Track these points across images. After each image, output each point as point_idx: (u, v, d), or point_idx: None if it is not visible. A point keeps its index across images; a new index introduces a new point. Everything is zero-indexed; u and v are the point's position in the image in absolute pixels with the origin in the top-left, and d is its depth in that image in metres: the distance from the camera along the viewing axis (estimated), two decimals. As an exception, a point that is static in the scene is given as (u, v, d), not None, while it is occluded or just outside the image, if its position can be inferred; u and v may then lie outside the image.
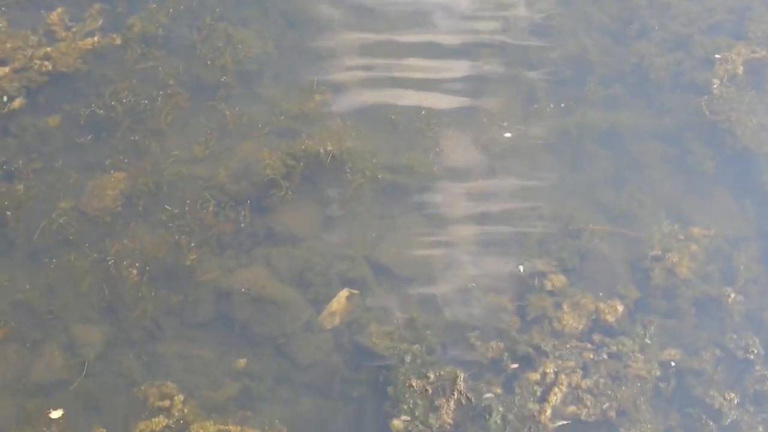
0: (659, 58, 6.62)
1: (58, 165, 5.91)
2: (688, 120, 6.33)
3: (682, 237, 5.83)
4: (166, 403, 5.16)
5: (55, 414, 5.10)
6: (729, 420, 5.26)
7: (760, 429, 5.24)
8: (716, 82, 6.45)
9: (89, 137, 6.02)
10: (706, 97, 6.42)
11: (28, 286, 5.51)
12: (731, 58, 6.57)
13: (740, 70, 6.53)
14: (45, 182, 5.84)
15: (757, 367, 5.44)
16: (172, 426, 5.08)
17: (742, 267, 5.74)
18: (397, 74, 6.53)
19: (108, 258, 5.60)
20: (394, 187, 5.95)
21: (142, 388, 5.20)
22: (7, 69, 6.21)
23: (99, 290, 5.51)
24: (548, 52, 6.65)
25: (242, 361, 5.37)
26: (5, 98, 6.11)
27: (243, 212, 5.80)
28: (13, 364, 5.27)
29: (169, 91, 6.24)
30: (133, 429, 5.06)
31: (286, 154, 5.97)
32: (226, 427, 5.10)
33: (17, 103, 6.11)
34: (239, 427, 5.11)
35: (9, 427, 5.07)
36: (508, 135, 6.21)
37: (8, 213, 5.72)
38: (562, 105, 6.37)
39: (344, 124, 6.20)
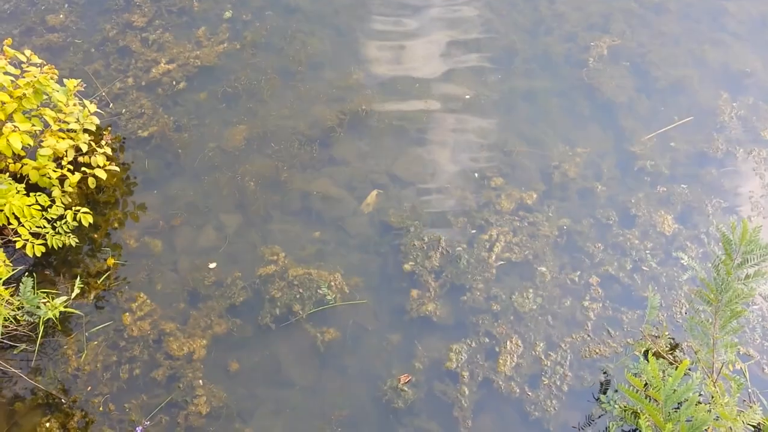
0: (558, 46, 6.63)
1: (207, 122, 5.98)
2: (575, 84, 6.37)
3: (570, 153, 5.88)
4: (275, 257, 5.25)
5: (212, 264, 5.23)
6: (597, 260, 5.32)
7: (615, 264, 5.30)
8: (591, 59, 6.45)
9: (224, 105, 6.10)
10: (585, 69, 6.42)
11: (192, 193, 5.60)
12: (600, 44, 6.55)
13: (605, 51, 6.53)
14: (200, 132, 5.93)
15: (615, 229, 5.49)
16: (278, 271, 5.19)
17: (605, 169, 5.82)
18: (402, 58, 6.46)
19: (237, 176, 5.69)
20: (402, 129, 5.94)
21: (261, 249, 5.31)
22: (174, 65, 6.27)
23: (234, 194, 5.59)
24: (491, 43, 6.53)
25: (317, 233, 5.44)
26: (174, 82, 6.13)
27: (314, 147, 5.85)
28: (186, 238, 5.40)
29: (268, 76, 6.25)
30: (256, 272, 5.19)
31: (338, 111, 6.03)
32: (309, 271, 5.18)
33: (181, 85, 6.19)
34: (316, 271, 5.20)
35: (185, 271, 5.21)
36: (467, 96, 6.16)
37: (180, 151, 5.79)
38: (500, 76, 6.31)
39: (372, 94, 6.16)
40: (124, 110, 5.99)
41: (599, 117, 6.14)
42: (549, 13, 6.81)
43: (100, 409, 4.61)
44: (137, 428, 4.50)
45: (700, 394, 4.05)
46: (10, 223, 4.81)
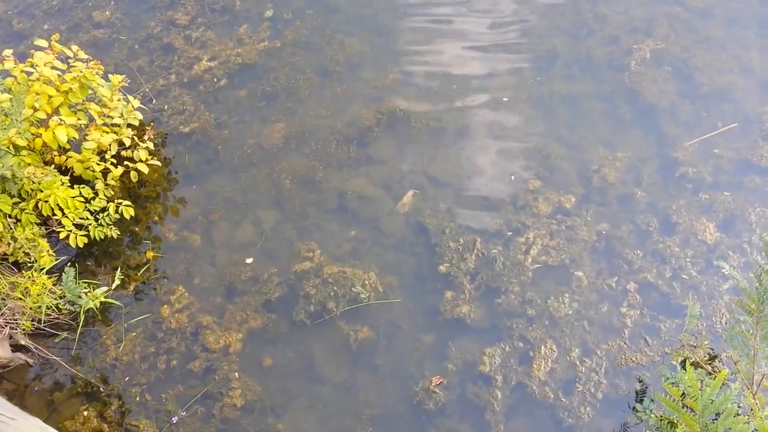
0: (599, 49, 6.52)
1: (246, 119, 6.07)
2: (616, 87, 6.29)
3: (611, 158, 5.81)
4: (310, 254, 5.30)
5: (249, 260, 5.30)
6: (636, 266, 5.27)
7: (654, 271, 5.23)
8: (633, 63, 6.35)
9: (263, 103, 6.18)
10: (627, 73, 6.32)
11: (230, 189, 5.67)
12: (643, 48, 6.45)
13: (648, 55, 6.42)
14: (240, 129, 6.02)
15: (655, 236, 5.41)
16: (314, 268, 5.23)
17: (645, 175, 5.74)
18: (441, 59, 6.45)
19: (275, 173, 5.75)
20: (439, 129, 5.94)
21: (297, 245, 5.37)
22: (216, 62, 6.38)
23: (271, 191, 5.66)
24: (532, 45, 6.50)
25: (353, 232, 5.48)
26: (215, 79, 6.22)
27: (351, 146, 5.89)
28: (225, 233, 5.49)
29: (307, 75, 6.31)
30: (292, 269, 5.25)
31: (376, 111, 6.06)
32: (343, 269, 5.22)
33: (222, 82, 6.30)
34: (351, 269, 5.23)
35: (223, 266, 5.28)
36: (505, 99, 6.14)
37: (219, 147, 5.88)
38: (539, 79, 6.27)
39: (410, 94, 6.17)
40: (166, 106, 6.10)
41: (641, 121, 6.06)
42: (591, 15, 6.75)
43: (137, 398, 4.71)
44: (173, 418, 4.59)
45: (738, 406, 3.97)
46: (54, 214, 4.95)
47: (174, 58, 6.42)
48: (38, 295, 4.72)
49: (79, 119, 5.14)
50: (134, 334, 4.95)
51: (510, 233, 5.43)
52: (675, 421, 4.24)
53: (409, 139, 5.95)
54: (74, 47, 5.23)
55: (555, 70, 6.37)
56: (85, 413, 4.63)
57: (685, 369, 3.82)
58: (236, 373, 4.78)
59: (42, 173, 4.88)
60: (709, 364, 4.67)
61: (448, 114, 6.08)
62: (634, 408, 4.62)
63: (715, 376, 3.63)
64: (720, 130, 5.99)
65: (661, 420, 4.40)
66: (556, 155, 5.83)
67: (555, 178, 5.73)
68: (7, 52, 5.05)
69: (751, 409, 4.00)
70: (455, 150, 5.90)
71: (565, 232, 5.42)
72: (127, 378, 4.79)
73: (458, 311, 5.02)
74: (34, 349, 4.79)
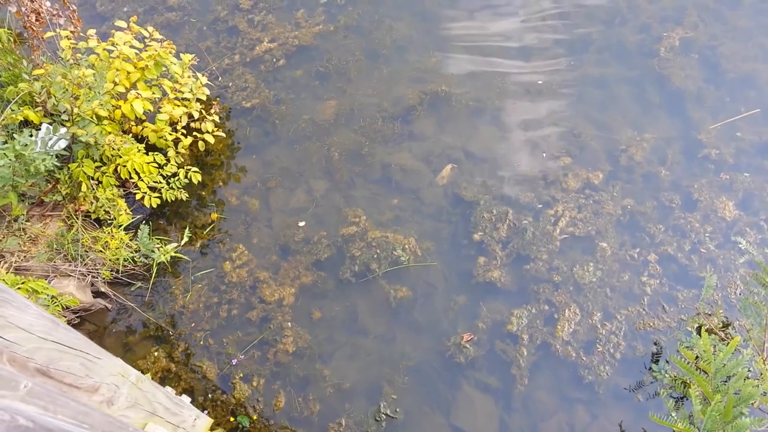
0: (631, 36, 6.38)
1: (302, 96, 6.11)
2: (646, 72, 6.16)
3: (638, 138, 5.72)
4: (357, 220, 5.35)
5: (301, 223, 5.38)
6: (657, 240, 5.21)
7: (675, 245, 5.17)
8: (663, 50, 6.21)
9: (317, 82, 6.21)
10: (656, 59, 6.19)
11: (286, 159, 5.76)
12: (672, 36, 6.29)
13: (677, 43, 6.27)
14: (296, 105, 6.06)
15: (676, 212, 5.34)
16: (359, 232, 5.29)
17: (670, 155, 5.64)
18: (481, 44, 6.38)
19: (326, 146, 5.80)
20: (478, 109, 5.92)
21: (344, 211, 5.43)
22: (275, 44, 6.42)
23: (322, 163, 5.72)
24: (567, 31, 6.40)
25: (395, 201, 5.50)
26: (274, 59, 6.27)
27: (396, 123, 5.90)
28: (280, 199, 5.57)
29: (356, 57, 6.32)
30: (339, 232, 5.33)
31: (419, 91, 6.04)
32: (386, 234, 5.26)
33: (281, 62, 6.33)
34: (393, 234, 5.27)
35: (278, 228, 5.39)
36: (540, 82, 6.07)
37: (277, 121, 5.96)
38: (573, 63, 6.18)
39: (452, 76, 6.14)
40: (230, 84, 6.20)
41: (668, 105, 5.93)
42: (625, 5, 6.59)
43: (201, 342, 4.88)
44: (233, 360, 4.75)
45: (749, 370, 3.94)
46: (131, 178, 5.11)
47: (238, 40, 6.50)
48: (116, 249, 4.91)
49: (153, 93, 5.26)
50: (200, 285, 5.11)
51: (540, 206, 5.41)
52: (688, 382, 4.23)
53: (449, 117, 5.93)
54: (150, 28, 5.34)
55: (588, 56, 6.26)
56: (156, 354, 4.82)
57: (700, 335, 3.80)
58: (289, 323, 4.91)
59: (121, 141, 5.04)
60: (723, 331, 4.62)
61: (486, 95, 6.03)
62: (650, 368, 4.61)
63: (728, 342, 3.62)
64: (743, 115, 5.83)
65: (674, 380, 4.39)
66: (587, 135, 5.76)
67: (584, 156, 5.67)
68: (91, 31, 5.18)
69: (761, 374, 3.97)
70: (492, 128, 5.86)
71: (592, 206, 5.38)
72: (193, 324, 4.96)
73: (490, 275, 5.04)
74: (112, 296, 4.99)
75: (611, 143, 5.73)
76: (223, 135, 5.73)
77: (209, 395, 4.64)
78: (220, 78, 6.22)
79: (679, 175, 5.53)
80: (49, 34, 5.19)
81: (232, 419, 4.53)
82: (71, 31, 5.25)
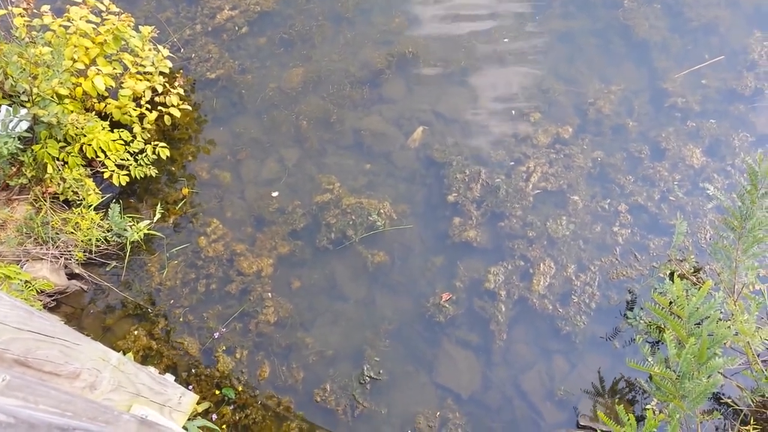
0: (595, -11, 6.23)
1: (267, 64, 5.95)
2: (611, 23, 6.12)
3: (605, 91, 5.70)
4: (330, 187, 5.27)
5: (275, 193, 5.29)
6: (627, 190, 5.22)
7: (644, 194, 5.20)
8: (626, 0, 6.10)
9: (281, 49, 6.04)
10: (621, 9, 6.14)
11: (254, 130, 5.63)
12: (636, -14, 6.18)
13: (642, -7, 6.15)
14: (261, 74, 5.90)
15: (645, 162, 5.36)
16: (333, 199, 5.22)
17: (637, 106, 5.64)
18: (446, 3, 6.24)
19: (294, 114, 5.68)
20: (445, 71, 5.82)
21: (317, 179, 5.35)
22: (237, 11, 6.21)
23: (292, 131, 5.60)
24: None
25: (368, 166, 5.43)
26: (237, 27, 6.08)
27: (364, 88, 5.79)
28: (251, 170, 5.46)
29: (320, 22, 6.15)
30: (314, 200, 5.25)
31: (386, 53, 5.92)
32: (360, 200, 5.20)
33: (243, 30, 6.14)
34: (367, 200, 5.22)
35: (251, 200, 5.30)
36: (506, 40, 5.98)
37: (243, 91, 5.80)
38: (538, 18, 6.09)
39: (418, 37, 6.01)
40: (193, 55, 5.99)
41: (633, 56, 5.88)
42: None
43: (181, 319, 4.81)
44: (215, 334, 4.70)
45: (721, 312, 4.00)
46: (97, 156, 4.94)
47: (198, 9, 6.25)
48: (88, 229, 4.77)
49: (114, 69, 5.06)
50: (176, 262, 5.01)
51: (512, 163, 5.37)
52: (663, 327, 4.29)
53: (418, 79, 5.82)
54: (106, 1, 5.11)
55: (553, 10, 6.16)
56: (136, 332, 4.74)
57: (672, 281, 3.83)
58: (269, 294, 4.86)
59: (84, 119, 4.86)
60: (694, 276, 4.68)
61: (453, 55, 5.92)
62: (625, 315, 4.67)
63: (700, 287, 3.65)
64: (707, 63, 5.83)
65: (649, 326, 4.45)
66: (555, 90, 5.71)
67: (553, 111, 5.62)
68: (45, 7, 4.94)
69: (733, 315, 4.03)
70: (461, 89, 5.77)
71: (563, 160, 5.36)
72: (172, 301, 4.88)
73: (465, 235, 5.02)
74: (87, 277, 4.87)
75: (579, 97, 5.68)
76: (189, 108, 5.57)
77: (193, 370, 4.59)
78: (182, 49, 6.01)
79: (646, 126, 5.53)
80: (1, 12, 4.94)
81: (217, 392, 4.50)
82: (24, 8, 4.99)
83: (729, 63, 5.83)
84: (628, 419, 3.42)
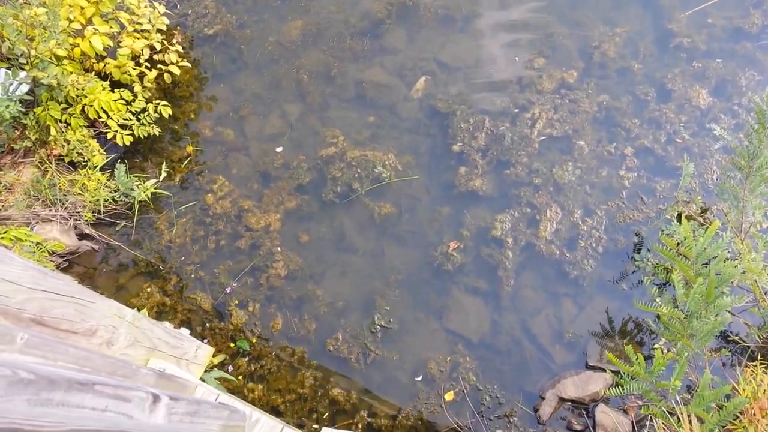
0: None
1: (265, 18, 5.85)
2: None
3: (610, 33, 5.57)
4: (334, 140, 5.24)
5: (279, 149, 5.27)
6: (633, 133, 5.15)
7: (651, 137, 5.14)
8: (632, -61, 5.90)
9: (279, 2, 5.95)
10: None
11: (256, 85, 5.57)
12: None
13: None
14: (260, 28, 5.82)
15: (651, 104, 5.29)
16: (338, 153, 5.19)
17: (642, 48, 5.52)
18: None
19: (295, 68, 5.60)
20: (447, 17, 5.70)
21: (321, 133, 5.31)
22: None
23: (293, 86, 5.54)
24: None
25: (371, 118, 5.38)
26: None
27: (365, 39, 5.69)
28: (255, 126, 5.43)
29: (319, -28, 5.98)
30: (318, 154, 5.22)
31: (386, 3, 5.79)
32: (365, 153, 5.18)
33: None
34: (372, 152, 5.19)
35: (256, 156, 5.27)
36: None
37: (242, 47, 5.71)
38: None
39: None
40: (190, 11, 5.87)
41: (640, 3, 5.74)
42: None
43: (193, 275, 4.85)
44: (227, 289, 4.74)
45: (728, 252, 4.01)
46: (99, 117, 4.90)
47: (192, -37, 6.13)
48: (95, 190, 4.77)
49: (111, 28, 4.98)
50: (184, 219, 5.02)
51: (517, 110, 5.31)
52: (670, 268, 4.31)
53: (419, 28, 5.71)
54: (98, -43, 4.99)
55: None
56: (149, 289, 4.79)
57: (680, 222, 3.82)
58: (278, 248, 4.87)
59: (84, 80, 4.80)
60: (702, 216, 4.67)
61: (455, 2, 5.79)
62: (632, 258, 4.68)
63: (708, 227, 3.64)
64: (713, 1, 5.69)
65: (656, 268, 4.46)
66: (559, 34, 5.59)
67: (558, 56, 5.52)
68: (37, -35, 4.84)
69: (740, 254, 4.04)
70: (463, 36, 5.66)
71: (568, 105, 5.28)
72: (182, 258, 4.90)
73: (471, 184, 5.00)
74: (97, 237, 4.89)
75: (584, 41, 5.57)
76: (189, 65, 5.49)
77: (207, 324, 4.65)
78: (178, 6, 5.89)
79: (652, 67, 5.43)
80: (-9, -28, 4.83)
81: (232, 345, 4.56)
82: (15, -32, 4.89)
83: (735, 1, 5.69)
84: (637, 359, 3.46)
